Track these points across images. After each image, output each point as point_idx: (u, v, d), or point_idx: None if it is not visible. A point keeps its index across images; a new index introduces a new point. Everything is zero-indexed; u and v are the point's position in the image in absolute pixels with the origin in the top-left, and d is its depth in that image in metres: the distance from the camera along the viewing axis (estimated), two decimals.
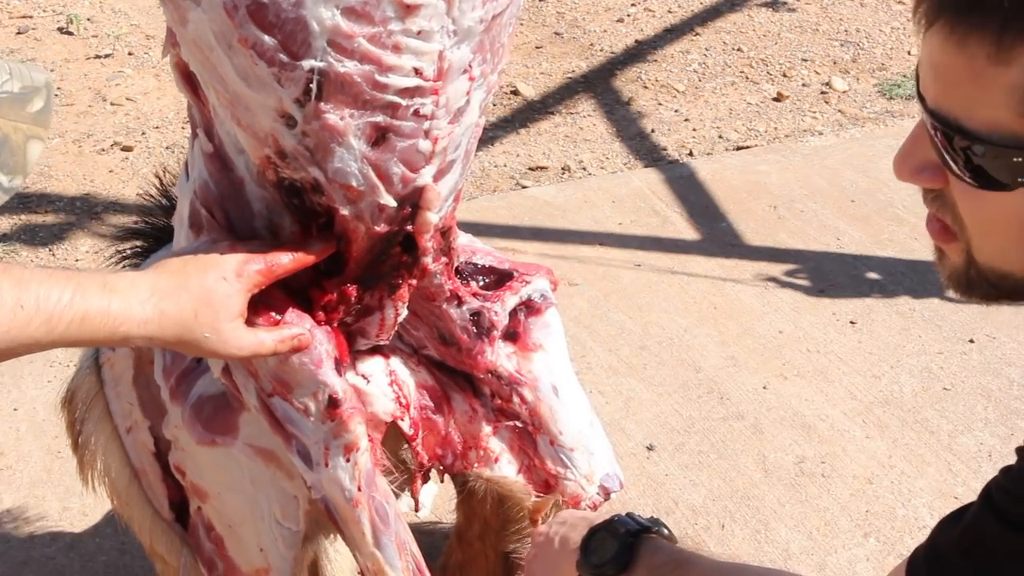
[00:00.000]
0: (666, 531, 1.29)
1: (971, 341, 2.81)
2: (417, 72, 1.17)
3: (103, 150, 3.74)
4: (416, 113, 1.20)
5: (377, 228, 1.28)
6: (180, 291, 1.19)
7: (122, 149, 3.74)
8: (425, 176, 1.27)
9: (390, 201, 1.26)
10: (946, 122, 0.87)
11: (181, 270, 1.21)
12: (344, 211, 1.25)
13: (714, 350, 2.79)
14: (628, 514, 1.30)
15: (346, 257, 1.31)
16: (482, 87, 1.26)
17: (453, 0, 1.15)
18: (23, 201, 3.49)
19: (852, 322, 2.88)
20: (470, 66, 1.22)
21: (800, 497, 2.37)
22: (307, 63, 1.14)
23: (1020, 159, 0.84)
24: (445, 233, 1.37)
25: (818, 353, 2.78)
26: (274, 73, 1.15)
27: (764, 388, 2.67)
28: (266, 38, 1.12)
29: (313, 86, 1.15)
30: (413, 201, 1.29)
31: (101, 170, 3.65)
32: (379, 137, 1.21)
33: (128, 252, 1.80)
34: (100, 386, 1.66)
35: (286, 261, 1.26)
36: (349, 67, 1.15)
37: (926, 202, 0.95)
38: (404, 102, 1.19)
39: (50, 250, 3.26)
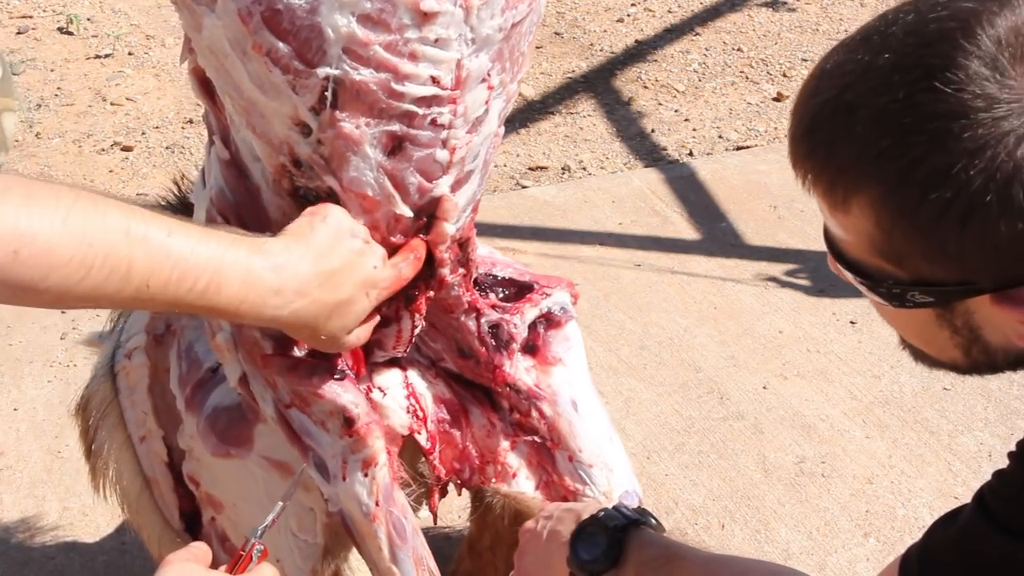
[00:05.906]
0: (653, 521, 1.29)
1: None
2: (434, 81, 1.16)
3: (103, 150, 3.74)
4: (433, 122, 1.18)
5: (393, 239, 1.26)
6: (322, 296, 1.16)
7: (122, 149, 3.74)
8: (442, 186, 1.25)
9: (406, 211, 1.24)
10: (834, 249, 0.99)
11: (331, 277, 1.17)
12: (359, 221, 1.23)
13: (714, 350, 2.79)
14: (615, 507, 1.29)
15: None
16: (501, 96, 1.24)
17: (471, 8, 1.13)
18: None
19: (852, 322, 2.88)
20: (489, 75, 1.20)
21: (800, 497, 2.37)
22: (322, 71, 1.12)
23: (884, 289, 0.95)
24: (463, 244, 1.36)
25: (818, 353, 2.78)
26: (289, 80, 1.13)
27: (764, 388, 2.67)
28: (281, 45, 1.11)
29: (328, 94, 1.13)
30: (430, 212, 1.27)
31: (101, 170, 3.65)
32: (395, 146, 1.19)
33: None
34: (115, 394, 1.65)
35: (408, 275, 1.27)
36: (365, 75, 1.13)
37: None
38: (421, 111, 1.17)
39: None
